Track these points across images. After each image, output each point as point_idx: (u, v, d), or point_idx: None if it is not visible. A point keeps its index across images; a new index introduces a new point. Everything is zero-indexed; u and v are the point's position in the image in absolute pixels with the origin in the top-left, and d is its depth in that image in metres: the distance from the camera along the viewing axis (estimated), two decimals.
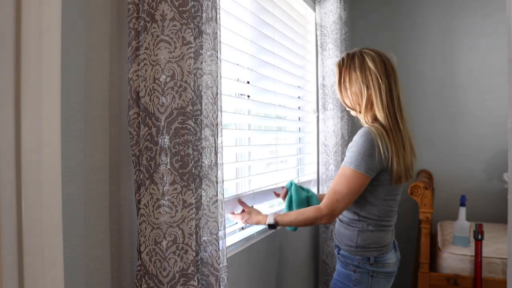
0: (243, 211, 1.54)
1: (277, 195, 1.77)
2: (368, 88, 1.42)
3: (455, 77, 2.97)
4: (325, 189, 2.31)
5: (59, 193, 0.75)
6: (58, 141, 0.74)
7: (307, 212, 1.44)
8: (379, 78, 1.40)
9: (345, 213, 1.49)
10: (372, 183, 1.40)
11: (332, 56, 2.30)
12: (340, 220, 1.52)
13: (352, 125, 2.35)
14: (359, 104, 1.46)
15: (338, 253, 1.52)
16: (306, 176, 2.37)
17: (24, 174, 0.69)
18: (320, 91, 2.34)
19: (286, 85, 2.03)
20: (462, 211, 2.26)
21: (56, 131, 0.74)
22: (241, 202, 1.57)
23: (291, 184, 1.66)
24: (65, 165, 0.80)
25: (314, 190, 2.41)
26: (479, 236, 2.07)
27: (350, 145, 1.43)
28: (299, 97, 2.28)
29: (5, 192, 0.67)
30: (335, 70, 1.51)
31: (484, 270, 2.13)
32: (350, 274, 1.46)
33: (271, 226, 1.48)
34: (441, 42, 2.99)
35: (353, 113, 1.54)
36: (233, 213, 1.52)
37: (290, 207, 1.62)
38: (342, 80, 1.47)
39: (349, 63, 1.46)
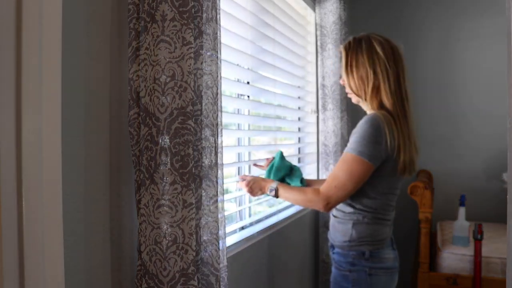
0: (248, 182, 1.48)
1: (261, 167, 1.68)
2: (375, 73, 1.36)
3: (454, 77, 2.97)
4: None
5: (59, 193, 0.75)
6: (58, 141, 0.75)
7: (307, 191, 1.39)
8: (386, 63, 1.35)
9: (339, 206, 1.43)
10: (373, 174, 1.33)
11: (332, 57, 2.30)
12: (334, 216, 1.47)
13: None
14: (364, 90, 1.39)
15: (333, 253, 1.47)
16: (306, 176, 2.37)
17: (24, 174, 0.69)
18: (320, 91, 2.34)
19: (286, 85, 2.03)
20: (462, 211, 2.26)
21: (56, 131, 0.74)
22: (256, 165, 1.54)
23: (277, 154, 1.59)
24: (65, 165, 0.80)
25: None
26: (479, 236, 2.07)
27: (354, 130, 1.36)
28: (299, 98, 2.28)
29: (5, 192, 0.67)
30: (342, 53, 1.44)
31: (484, 269, 2.13)
32: (346, 275, 1.40)
33: (271, 193, 1.45)
34: (440, 42, 2.99)
35: (354, 100, 1.47)
36: (243, 177, 1.48)
37: (269, 171, 1.57)
38: (349, 64, 1.41)
39: (355, 47, 1.40)
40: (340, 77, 1.54)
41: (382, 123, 1.30)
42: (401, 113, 1.35)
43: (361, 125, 1.33)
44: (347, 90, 1.48)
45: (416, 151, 1.44)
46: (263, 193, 1.47)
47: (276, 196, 1.45)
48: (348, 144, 1.36)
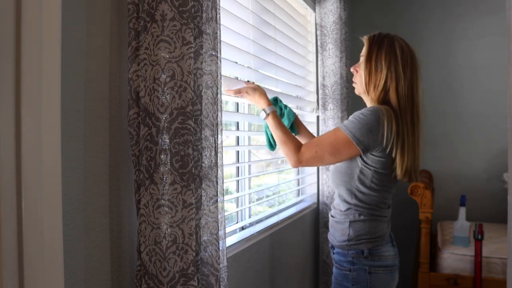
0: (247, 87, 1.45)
1: None
2: (388, 72, 1.37)
3: (455, 77, 2.97)
4: (325, 189, 2.31)
5: (59, 193, 0.75)
6: (58, 141, 0.75)
7: (291, 142, 1.39)
8: (402, 67, 1.37)
9: (335, 205, 1.46)
10: (365, 165, 1.35)
11: (332, 56, 2.30)
12: (332, 216, 1.48)
13: None
14: (374, 85, 1.39)
15: (333, 253, 1.47)
16: (306, 176, 2.37)
17: (24, 174, 0.69)
18: (320, 91, 2.34)
19: (287, 85, 2.03)
20: (462, 211, 2.26)
21: (56, 131, 0.74)
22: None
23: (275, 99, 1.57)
24: (65, 165, 0.80)
25: (314, 190, 2.42)
26: (479, 236, 2.07)
27: (356, 112, 1.36)
28: (299, 97, 2.28)
29: (5, 192, 0.67)
30: (365, 42, 1.44)
31: (484, 270, 2.13)
32: (346, 274, 1.41)
33: (262, 115, 1.44)
34: (441, 42, 2.98)
35: (357, 91, 1.48)
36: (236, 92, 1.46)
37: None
38: (369, 56, 1.41)
39: (379, 41, 1.41)
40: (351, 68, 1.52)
41: (383, 116, 1.31)
42: (407, 116, 1.37)
43: (363, 111, 1.34)
44: (356, 79, 1.48)
45: (418, 163, 1.44)
46: (255, 104, 1.47)
47: (264, 118, 1.45)
48: (345, 121, 1.37)
